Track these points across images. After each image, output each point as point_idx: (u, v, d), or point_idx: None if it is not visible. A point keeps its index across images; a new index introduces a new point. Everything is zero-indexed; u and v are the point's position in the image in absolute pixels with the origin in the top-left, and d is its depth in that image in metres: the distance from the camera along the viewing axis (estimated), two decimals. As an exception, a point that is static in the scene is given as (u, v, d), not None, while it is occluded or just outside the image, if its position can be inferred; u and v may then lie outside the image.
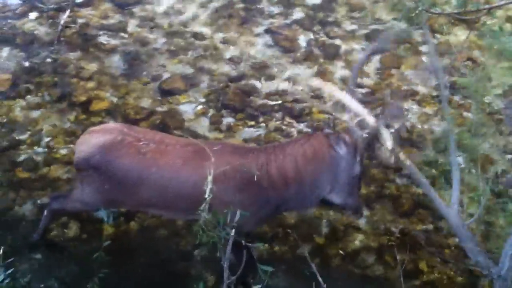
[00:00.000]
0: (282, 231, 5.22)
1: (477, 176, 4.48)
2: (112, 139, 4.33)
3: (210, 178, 3.53)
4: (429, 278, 4.96)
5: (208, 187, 3.51)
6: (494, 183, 5.24)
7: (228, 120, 6.29)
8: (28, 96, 6.37)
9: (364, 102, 4.36)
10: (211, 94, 6.57)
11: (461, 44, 7.11)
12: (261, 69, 6.88)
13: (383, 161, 4.33)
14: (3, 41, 7.06)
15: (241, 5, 7.84)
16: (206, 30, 7.45)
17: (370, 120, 4.14)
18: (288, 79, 6.54)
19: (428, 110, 6.49)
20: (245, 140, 6.02)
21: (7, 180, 5.50)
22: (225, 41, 7.29)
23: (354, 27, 7.63)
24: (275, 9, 7.83)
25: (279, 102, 6.50)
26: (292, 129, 6.16)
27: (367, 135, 4.16)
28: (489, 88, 4.45)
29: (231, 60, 7.03)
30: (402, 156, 4.54)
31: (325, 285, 3.69)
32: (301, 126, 6.22)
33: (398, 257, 4.63)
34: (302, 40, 7.40)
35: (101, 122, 5.98)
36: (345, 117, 4.25)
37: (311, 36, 7.45)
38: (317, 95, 6.22)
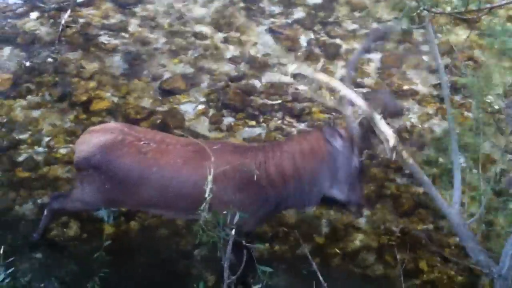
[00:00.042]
0: (283, 230, 5.22)
1: (478, 176, 4.48)
2: (112, 139, 4.33)
3: (210, 177, 3.53)
4: (429, 277, 4.96)
5: (208, 186, 3.51)
6: (495, 182, 5.24)
7: (228, 119, 6.29)
8: (29, 96, 6.38)
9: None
10: (211, 93, 6.57)
11: (461, 44, 7.11)
12: (262, 68, 6.88)
13: (379, 152, 4.33)
14: (4, 40, 7.06)
15: (242, 5, 7.83)
16: (206, 30, 7.45)
17: (363, 106, 4.15)
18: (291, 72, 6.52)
19: (429, 109, 6.49)
20: (246, 140, 6.01)
21: (7, 180, 5.50)
22: (225, 41, 7.29)
23: (355, 26, 7.63)
24: (276, 9, 7.83)
25: (279, 101, 6.50)
26: (293, 129, 6.16)
27: (361, 123, 4.15)
28: (490, 88, 4.43)
29: (231, 59, 7.03)
30: (404, 154, 4.54)
31: (325, 284, 3.69)
32: (302, 125, 6.21)
33: (398, 257, 4.63)
34: (303, 39, 7.40)
35: (101, 122, 5.97)
36: (344, 109, 4.26)
37: (312, 35, 7.45)
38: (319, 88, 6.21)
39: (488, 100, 6.15)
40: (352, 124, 4.21)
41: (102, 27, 7.40)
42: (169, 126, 6.11)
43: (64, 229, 5.10)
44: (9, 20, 7.36)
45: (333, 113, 6.19)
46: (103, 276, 3.95)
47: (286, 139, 4.68)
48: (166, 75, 6.79)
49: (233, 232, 3.52)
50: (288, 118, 6.30)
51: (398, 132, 6.11)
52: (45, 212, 4.89)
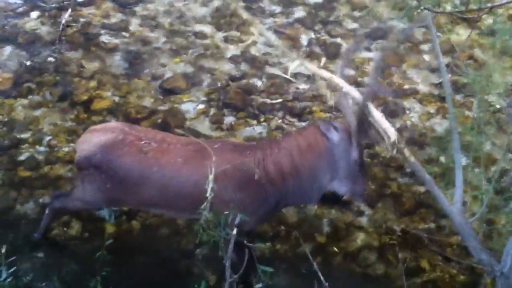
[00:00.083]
0: (284, 230, 5.22)
1: (479, 175, 4.48)
2: (113, 138, 4.33)
3: (211, 177, 3.53)
4: (431, 276, 4.96)
5: (210, 186, 3.51)
6: (496, 181, 5.24)
7: (229, 119, 6.29)
8: (30, 95, 6.37)
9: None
10: (212, 93, 6.57)
11: (462, 43, 7.11)
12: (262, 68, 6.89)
13: (374, 140, 4.33)
14: (4, 40, 7.06)
15: (242, 4, 7.83)
16: (207, 29, 7.45)
17: (357, 96, 4.15)
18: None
19: (430, 108, 6.49)
20: (246, 139, 6.01)
21: (8, 179, 5.50)
22: (226, 40, 7.30)
23: (355, 25, 7.63)
24: (277, 8, 7.83)
25: (280, 100, 6.51)
26: (293, 128, 6.15)
27: (357, 114, 4.15)
28: (491, 87, 4.43)
29: (232, 59, 7.03)
30: (406, 152, 4.54)
31: (327, 284, 3.69)
32: (303, 124, 6.21)
33: (399, 256, 4.63)
34: (304, 39, 7.40)
35: (102, 121, 5.98)
36: (341, 102, 4.27)
37: (313, 35, 7.45)
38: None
39: (490, 100, 6.16)
40: (349, 116, 4.20)
41: (103, 27, 7.39)
42: (170, 125, 6.11)
43: (66, 229, 5.10)
44: (9, 20, 7.35)
45: (334, 113, 6.20)
46: (104, 275, 3.96)
47: (283, 136, 4.68)
48: (167, 75, 6.79)
49: (234, 231, 3.52)
50: (289, 117, 6.30)
51: (399, 131, 6.12)
52: (47, 211, 4.88)
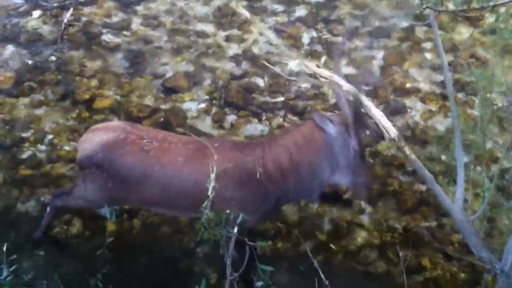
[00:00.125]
0: (285, 228, 5.22)
1: (481, 173, 4.48)
2: (115, 137, 4.33)
3: (212, 175, 3.53)
4: (432, 274, 4.96)
5: (211, 184, 3.51)
6: (498, 179, 5.24)
7: (231, 117, 6.29)
8: (32, 94, 6.39)
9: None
10: (214, 91, 6.57)
11: (464, 42, 7.10)
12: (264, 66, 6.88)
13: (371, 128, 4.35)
14: (6, 39, 7.07)
15: (244, 3, 7.83)
16: (208, 28, 7.45)
17: (349, 88, 4.17)
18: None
19: (432, 107, 6.49)
20: (248, 138, 6.01)
21: (10, 178, 5.52)
22: (228, 39, 7.30)
23: (357, 24, 7.62)
24: (279, 7, 7.83)
25: (282, 99, 6.51)
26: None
27: (352, 105, 4.16)
28: (494, 85, 4.43)
29: (233, 58, 7.03)
30: (407, 151, 4.55)
31: (327, 282, 3.69)
32: (304, 123, 6.21)
33: (400, 254, 4.63)
34: (306, 37, 7.40)
35: (104, 120, 5.98)
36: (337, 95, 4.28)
37: (314, 33, 7.45)
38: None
39: (492, 98, 6.16)
40: (344, 108, 4.19)
41: (105, 26, 7.40)
42: (171, 124, 6.11)
43: (66, 227, 5.11)
44: (11, 19, 7.36)
45: (336, 111, 6.19)
46: (105, 274, 3.95)
47: (281, 133, 4.66)
48: (169, 74, 6.79)
49: (235, 230, 3.52)
50: (290, 116, 6.30)
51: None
52: (48, 210, 4.90)
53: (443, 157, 5.71)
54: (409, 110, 6.46)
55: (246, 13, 6.33)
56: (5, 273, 3.70)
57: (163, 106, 6.37)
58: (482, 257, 4.04)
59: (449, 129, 5.75)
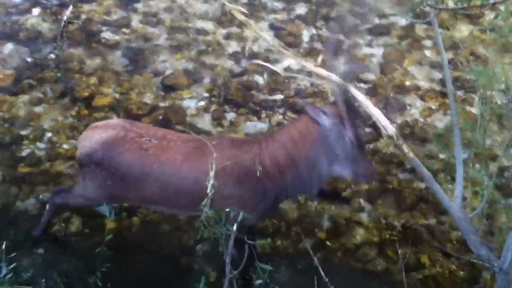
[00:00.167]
0: (284, 225, 5.22)
1: (480, 170, 4.48)
2: (114, 135, 4.33)
3: (212, 173, 3.53)
4: (431, 272, 4.96)
5: (210, 182, 3.51)
6: (497, 177, 5.24)
7: (230, 115, 6.29)
8: (31, 92, 6.38)
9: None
10: (213, 89, 6.57)
11: (464, 39, 7.10)
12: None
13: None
14: (6, 37, 7.06)
15: (244, 0, 7.83)
16: (208, 26, 7.45)
17: (337, 80, 4.18)
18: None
19: (431, 104, 6.49)
20: (247, 135, 6.01)
21: (9, 175, 5.51)
22: (227, 37, 7.30)
23: (357, 22, 7.62)
24: (278, 4, 7.83)
25: (281, 97, 6.51)
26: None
27: (342, 96, 4.17)
28: (495, 82, 4.43)
29: (233, 55, 7.03)
30: (405, 148, 4.55)
31: (327, 279, 3.69)
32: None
33: (399, 251, 4.63)
34: (305, 35, 7.40)
35: (103, 118, 5.99)
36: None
37: (314, 31, 7.44)
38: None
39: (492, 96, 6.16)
40: (338, 100, 4.18)
41: (104, 23, 7.40)
42: (171, 121, 6.11)
43: (65, 225, 5.11)
44: (11, 16, 7.36)
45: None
46: (105, 271, 3.95)
47: (277, 129, 4.66)
48: (168, 71, 6.79)
49: (234, 227, 3.52)
50: (290, 114, 6.30)
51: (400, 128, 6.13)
52: (47, 207, 4.90)
53: (443, 155, 5.72)
54: (408, 108, 6.46)
55: (241, 17, 6.31)
56: (4, 271, 3.70)
57: (162, 104, 6.37)
58: (481, 255, 4.04)
59: (448, 127, 5.74)
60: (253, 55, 6.98)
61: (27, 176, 5.51)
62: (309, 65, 5.06)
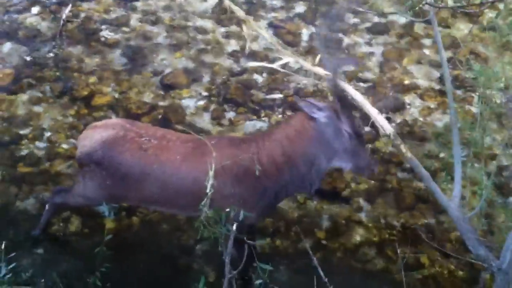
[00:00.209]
0: (284, 225, 5.22)
1: (479, 170, 4.48)
2: (114, 135, 4.33)
3: (211, 173, 3.53)
4: (430, 272, 4.96)
5: (210, 182, 3.51)
6: (496, 176, 5.23)
7: (230, 114, 6.29)
8: (30, 91, 6.38)
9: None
10: (212, 88, 6.57)
11: (463, 38, 7.09)
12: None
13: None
14: (5, 35, 7.06)
15: (243, -1, 7.85)
16: (207, 24, 7.44)
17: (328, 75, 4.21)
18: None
19: (430, 103, 6.49)
20: (247, 135, 6.01)
21: (9, 175, 5.50)
22: (227, 35, 7.29)
23: (356, 20, 7.62)
24: (278, 3, 7.82)
25: (281, 96, 6.50)
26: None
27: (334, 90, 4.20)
28: (494, 81, 4.43)
29: (232, 54, 7.03)
30: (403, 148, 4.55)
31: (326, 279, 3.69)
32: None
33: (399, 251, 4.63)
34: (305, 33, 7.39)
35: (103, 117, 5.99)
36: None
37: (313, 30, 7.44)
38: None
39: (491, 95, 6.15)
40: (333, 94, 4.19)
41: (103, 22, 7.40)
42: (170, 121, 6.11)
43: (64, 224, 5.11)
44: (10, 15, 7.35)
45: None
46: (104, 271, 3.96)
47: (274, 127, 4.66)
48: (168, 70, 6.79)
49: (234, 227, 3.52)
50: (289, 113, 6.29)
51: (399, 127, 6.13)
52: (47, 207, 4.89)
53: (442, 154, 5.71)
54: (407, 107, 6.46)
55: (240, 13, 6.32)
56: (3, 271, 3.70)
57: (161, 103, 6.36)
58: (480, 255, 4.05)
59: (447, 126, 5.74)
60: (253, 54, 6.97)
61: (26, 176, 5.51)
62: (306, 63, 5.06)
